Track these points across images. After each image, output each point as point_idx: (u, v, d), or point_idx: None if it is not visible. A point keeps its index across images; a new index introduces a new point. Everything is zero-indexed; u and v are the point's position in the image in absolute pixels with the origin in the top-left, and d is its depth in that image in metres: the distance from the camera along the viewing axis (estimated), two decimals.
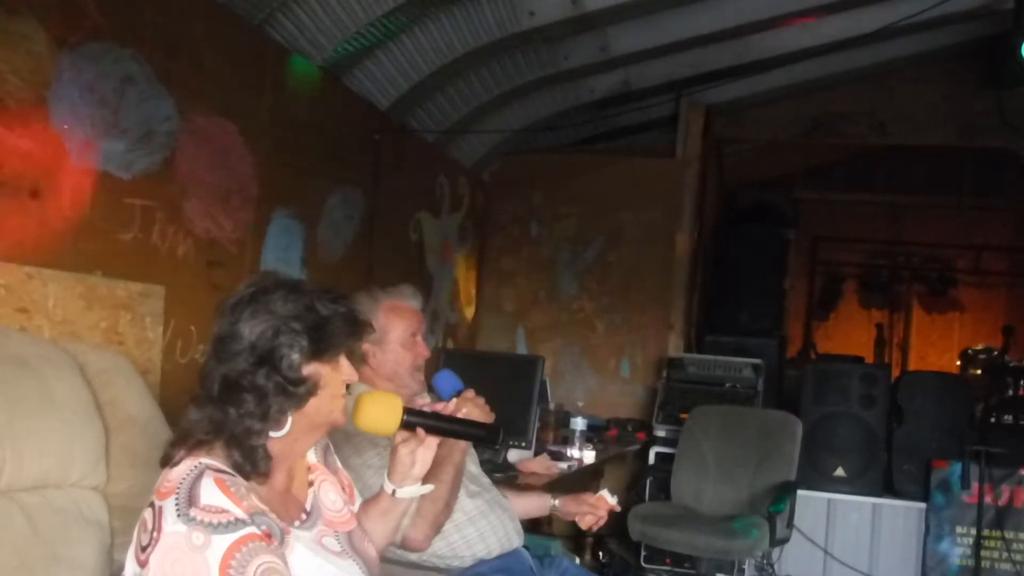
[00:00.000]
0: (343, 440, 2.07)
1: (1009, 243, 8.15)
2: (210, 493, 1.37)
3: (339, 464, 1.77)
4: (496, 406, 1.98)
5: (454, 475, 1.99)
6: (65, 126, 2.43)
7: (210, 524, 1.34)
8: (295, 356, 1.47)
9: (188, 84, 2.90)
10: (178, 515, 1.34)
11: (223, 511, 1.36)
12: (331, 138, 3.84)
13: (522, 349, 5.56)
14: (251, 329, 1.46)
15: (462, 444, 1.97)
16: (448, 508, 2.01)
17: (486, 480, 2.37)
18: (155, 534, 1.35)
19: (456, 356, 4.28)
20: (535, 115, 5.08)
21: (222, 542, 1.33)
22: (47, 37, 2.36)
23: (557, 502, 2.49)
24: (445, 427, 1.77)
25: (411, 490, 1.73)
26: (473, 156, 5.27)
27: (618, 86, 4.94)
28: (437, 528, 2.01)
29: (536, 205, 5.64)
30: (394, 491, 1.72)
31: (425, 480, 1.75)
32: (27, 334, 2.22)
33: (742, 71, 4.94)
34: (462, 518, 2.12)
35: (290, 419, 1.49)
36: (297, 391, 1.48)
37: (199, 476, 1.39)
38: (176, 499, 1.36)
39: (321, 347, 1.50)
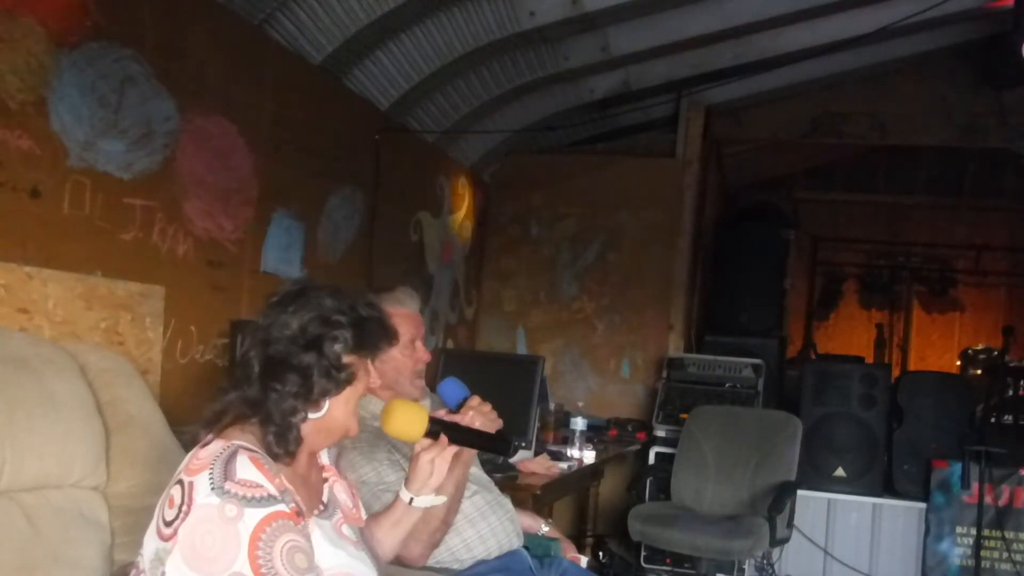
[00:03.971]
0: (350, 446, 2.08)
1: (1009, 243, 8.14)
2: (246, 468, 1.42)
3: (347, 474, 1.81)
4: (497, 407, 1.99)
5: (454, 492, 1.97)
6: (65, 126, 2.43)
7: (244, 497, 1.38)
8: (339, 345, 1.55)
9: (188, 84, 2.90)
10: (212, 488, 1.38)
11: (258, 486, 1.41)
12: (331, 138, 3.84)
13: (522, 349, 5.56)
14: (300, 318, 1.54)
15: (465, 458, 1.98)
16: (446, 525, 2.01)
17: (486, 479, 2.36)
18: (184, 507, 1.38)
19: (456, 356, 4.28)
20: (535, 115, 5.08)
21: (254, 515, 1.38)
22: (47, 37, 2.36)
23: (547, 529, 2.52)
24: (465, 437, 1.83)
25: (427, 500, 1.79)
26: (473, 156, 5.27)
27: (618, 86, 4.94)
28: (433, 546, 2.01)
29: (536, 205, 5.64)
30: (411, 500, 1.78)
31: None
32: (27, 334, 2.22)
33: (742, 71, 4.94)
34: (461, 521, 2.11)
35: (327, 403, 1.55)
36: (339, 376, 1.54)
37: (233, 454, 1.43)
38: (211, 473, 1.40)
39: (361, 342, 1.57)
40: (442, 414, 1.86)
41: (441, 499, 1.82)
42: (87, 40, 2.49)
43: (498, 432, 1.93)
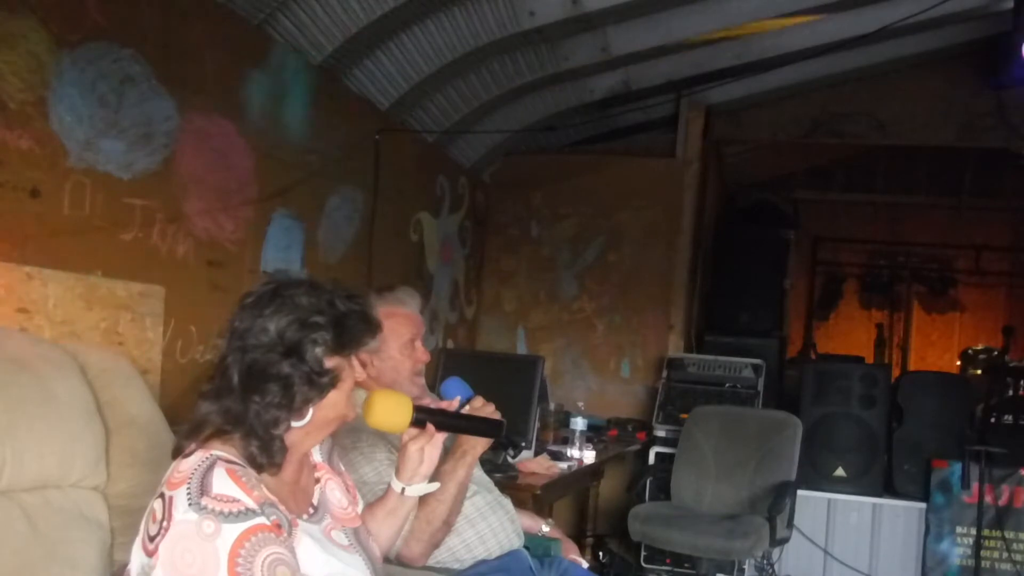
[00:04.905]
0: (350, 446, 2.08)
1: (1009, 243, 8.15)
2: (222, 483, 1.38)
3: (342, 467, 1.79)
4: (497, 407, 1.98)
5: (456, 493, 1.98)
6: (65, 126, 2.43)
7: (221, 513, 1.35)
8: (319, 348, 1.50)
9: (188, 84, 2.90)
10: (189, 504, 1.35)
11: (234, 500, 1.37)
12: (331, 138, 3.84)
13: (522, 349, 5.56)
14: (277, 322, 1.49)
15: (468, 460, 1.98)
16: (447, 526, 2.00)
17: (486, 479, 2.36)
18: (165, 523, 1.36)
19: (456, 356, 4.28)
20: (535, 115, 5.07)
21: (232, 531, 1.35)
22: (47, 37, 2.36)
23: (548, 529, 2.52)
24: (453, 423, 1.81)
25: (419, 488, 1.77)
26: (473, 156, 5.27)
27: (618, 86, 4.94)
28: (434, 546, 2.00)
29: (536, 205, 5.64)
30: (403, 489, 1.76)
31: (428, 497, 1.81)
32: (27, 334, 2.22)
33: (742, 71, 4.94)
34: (461, 522, 2.11)
35: (311, 410, 1.52)
36: (321, 381, 1.51)
37: (211, 466, 1.40)
38: (188, 488, 1.37)
39: (342, 342, 1.53)
40: (427, 402, 1.85)
41: (434, 486, 1.81)
42: (87, 40, 2.49)
43: (496, 424, 1.91)
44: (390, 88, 4.10)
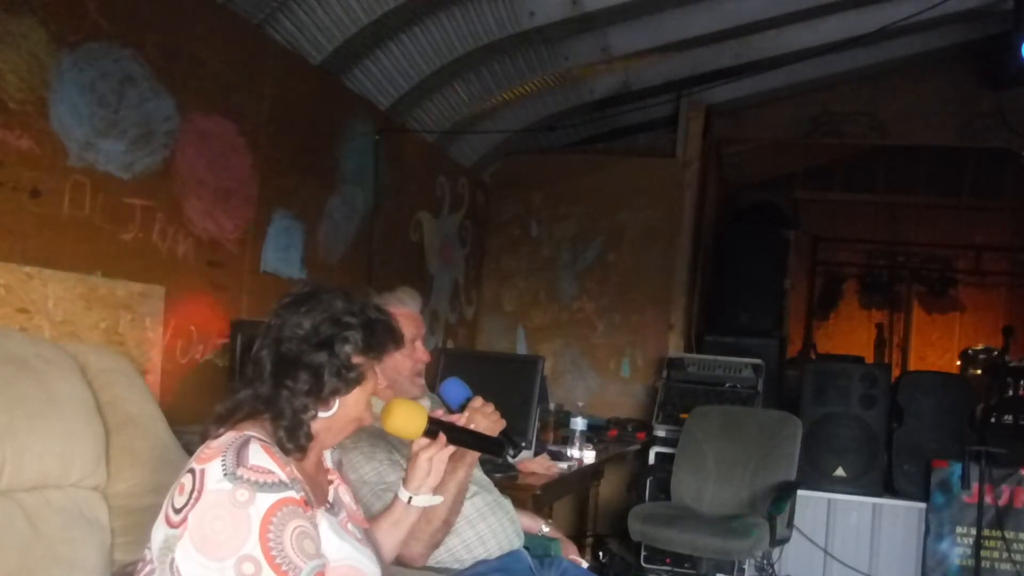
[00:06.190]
0: (351, 446, 2.08)
1: (1009, 243, 8.15)
2: (258, 455, 1.45)
3: (350, 478, 1.84)
4: (497, 407, 1.99)
5: (456, 494, 1.99)
6: (65, 126, 2.43)
7: (256, 482, 1.42)
8: (349, 346, 1.59)
9: (188, 84, 2.91)
10: (224, 474, 1.41)
11: (269, 472, 1.44)
12: (331, 138, 3.84)
13: (522, 349, 5.56)
14: (312, 319, 1.58)
15: (469, 460, 1.99)
16: (447, 526, 2.02)
17: (486, 480, 2.36)
18: (195, 494, 1.41)
19: (456, 356, 4.28)
20: (535, 115, 5.08)
21: (266, 500, 1.41)
22: (47, 37, 2.36)
23: (548, 530, 2.52)
24: (462, 438, 1.86)
25: (425, 499, 1.83)
26: (473, 156, 5.27)
27: (618, 86, 4.94)
28: (434, 546, 2.02)
29: (536, 205, 5.65)
30: (410, 499, 1.81)
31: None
32: (27, 334, 2.22)
33: (742, 71, 4.94)
34: (461, 522, 2.11)
35: (336, 402, 1.59)
36: (349, 375, 1.59)
37: (246, 442, 1.47)
38: (223, 460, 1.43)
39: (370, 343, 1.62)
40: (440, 414, 1.88)
41: (438, 499, 1.84)
42: (87, 40, 2.49)
43: (501, 433, 1.95)
44: (390, 88, 4.10)
